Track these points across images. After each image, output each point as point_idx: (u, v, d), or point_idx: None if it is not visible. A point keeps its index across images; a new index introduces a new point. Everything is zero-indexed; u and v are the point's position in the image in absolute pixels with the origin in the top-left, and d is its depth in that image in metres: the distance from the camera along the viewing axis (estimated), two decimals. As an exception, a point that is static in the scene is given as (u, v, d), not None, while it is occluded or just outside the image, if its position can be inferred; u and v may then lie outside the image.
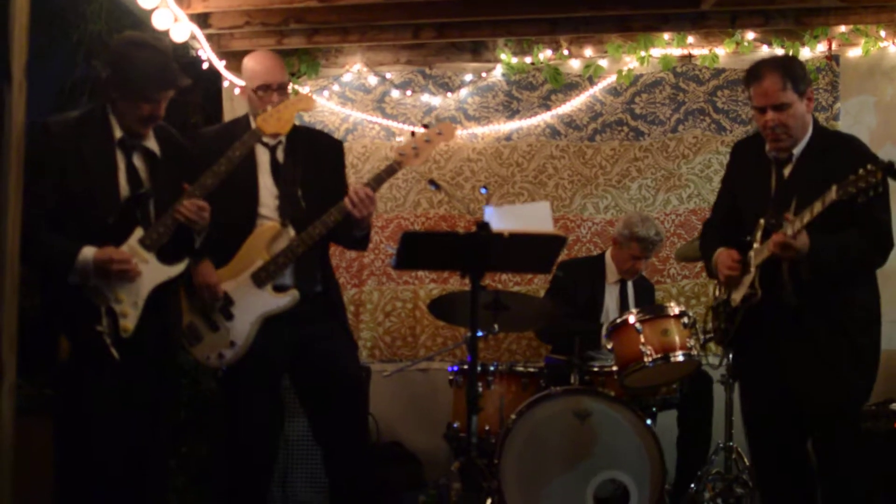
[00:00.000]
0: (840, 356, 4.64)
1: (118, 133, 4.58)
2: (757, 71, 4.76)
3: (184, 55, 7.25)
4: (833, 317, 4.64)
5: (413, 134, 5.32)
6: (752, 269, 4.75)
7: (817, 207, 4.36)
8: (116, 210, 4.53)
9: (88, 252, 4.38)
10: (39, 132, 4.52)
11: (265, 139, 5.18)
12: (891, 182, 4.36)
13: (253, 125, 5.20)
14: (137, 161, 4.63)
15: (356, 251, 5.72)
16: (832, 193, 4.28)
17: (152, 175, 4.64)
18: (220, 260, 5.10)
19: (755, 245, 4.77)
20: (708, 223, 5.31)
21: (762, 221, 4.75)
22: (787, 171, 4.78)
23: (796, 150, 4.75)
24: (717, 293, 5.20)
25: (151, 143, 4.67)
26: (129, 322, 4.47)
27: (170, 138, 4.79)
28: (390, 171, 5.24)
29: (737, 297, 4.87)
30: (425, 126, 5.34)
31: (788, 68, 4.72)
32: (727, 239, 4.98)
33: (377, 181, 5.19)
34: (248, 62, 5.42)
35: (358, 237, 5.30)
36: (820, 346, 4.65)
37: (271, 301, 5.10)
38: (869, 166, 4.20)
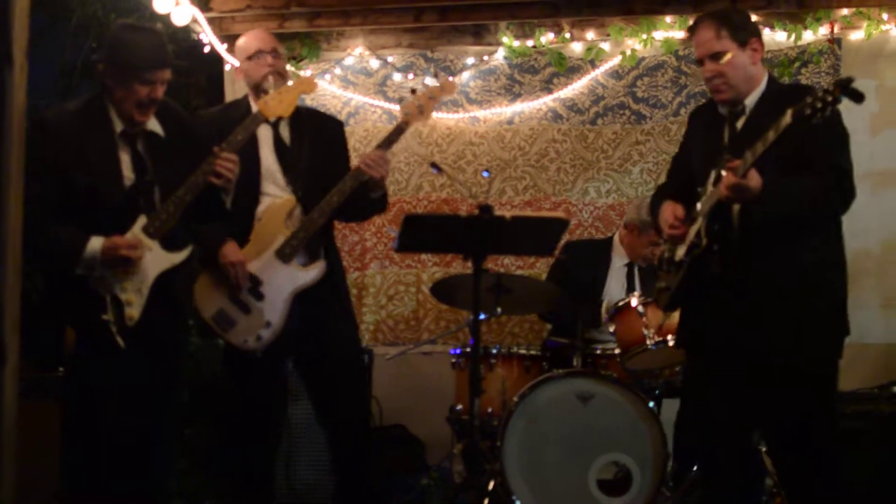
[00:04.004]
0: (793, 319, 4.24)
1: (118, 126, 4.57)
2: (694, 24, 4.55)
3: (185, 38, 7.25)
4: (788, 271, 4.26)
5: (413, 92, 5.32)
6: (699, 218, 4.41)
7: (770, 136, 3.98)
8: (119, 201, 4.53)
9: (96, 243, 4.38)
10: (37, 128, 4.47)
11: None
12: (850, 132, 4.20)
13: (253, 106, 5.20)
14: (142, 147, 4.62)
15: (375, 214, 5.65)
16: (786, 118, 3.91)
17: (157, 159, 4.64)
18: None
19: (704, 196, 4.44)
20: (660, 186, 5.03)
21: (713, 172, 4.38)
22: (739, 124, 4.46)
23: (749, 102, 4.45)
24: (663, 253, 4.81)
25: (154, 125, 4.65)
26: (135, 310, 4.47)
27: (171, 114, 4.77)
28: (399, 130, 5.23)
29: (681, 251, 4.53)
30: (413, 91, 5.33)
31: (724, 17, 4.45)
32: (677, 197, 4.64)
33: (387, 142, 5.18)
34: (237, 42, 5.44)
35: (375, 198, 5.26)
36: (771, 304, 4.26)
37: (300, 275, 5.07)
38: (827, 86, 3.86)
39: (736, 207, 4.29)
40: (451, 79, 5.47)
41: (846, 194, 4.31)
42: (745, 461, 4.54)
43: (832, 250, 4.42)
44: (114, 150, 4.54)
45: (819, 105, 3.82)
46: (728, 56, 4.39)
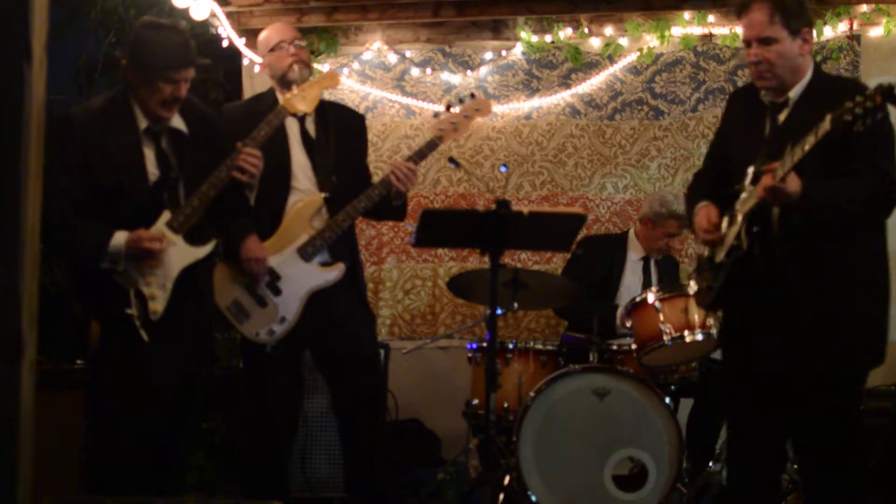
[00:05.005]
0: (833, 321, 4.15)
1: (143, 123, 4.60)
2: (747, 0, 4.31)
3: (203, 33, 7.27)
4: (829, 275, 4.15)
5: (448, 109, 5.34)
6: (739, 219, 4.26)
7: (810, 141, 3.85)
8: (144, 197, 4.55)
9: (120, 237, 4.42)
10: (63, 126, 4.55)
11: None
12: None
13: (279, 98, 5.22)
14: (166, 144, 4.64)
15: (393, 221, 5.75)
16: (826, 124, 3.77)
17: (181, 155, 4.66)
18: (259, 234, 5.12)
19: (743, 194, 4.28)
20: (697, 173, 4.89)
21: (751, 169, 4.24)
22: (781, 117, 4.30)
23: (793, 94, 4.28)
24: (704, 252, 4.68)
25: (178, 122, 4.68)
26: (158, 304, 4.49)
27: (195, 112, 4.80)
28: (432, 145, 5.28)
29: (721, 252, 4.39)
30: (448, 107, 5.36)
31: (780, 0, 4.24)
32: (714, 191, 4.51)
33: (419, 156, 5.24)
34: (259, 37, 5.52)
35: (396, 206, 5.32)
36: (811, 309, 4.15)
37: (320, 275, 5.12)
38: (867, 91, 3.72)
39: (776, 210, 4.18)
40: (472, 80, 5.48)
41: (890, 200, 4.21)
42: (772, 461, 4.47)
43: (876, 252, 4.31)
44: (138, 146, 4.57)
45: (860, 111, 3.71)
46: (778, 44, 4.23)
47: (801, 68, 4.30)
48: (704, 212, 4.48)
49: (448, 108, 5.36)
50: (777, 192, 3.99)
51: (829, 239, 4.15)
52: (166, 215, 4.54)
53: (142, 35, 4.56)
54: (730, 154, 4.53)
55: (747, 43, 4.32)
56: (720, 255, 4.40)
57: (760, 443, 4.41)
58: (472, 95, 5.47)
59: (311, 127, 5.27)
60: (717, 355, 5.96)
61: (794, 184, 3.97)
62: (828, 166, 4.05)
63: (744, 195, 4.28)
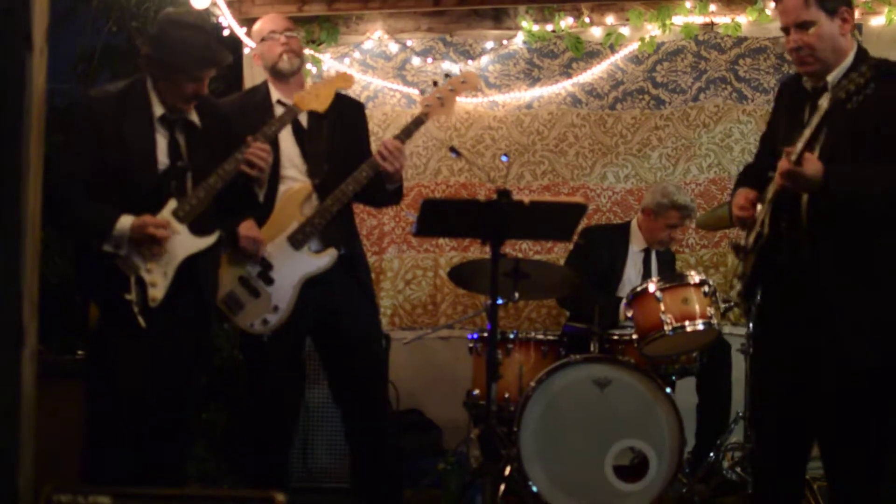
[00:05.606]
0: (865, 314, 4.00)
1: (159, 110, 4.61)
2: None
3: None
4: (861, 265, 4.01)
5: (435, 84, 5.32)
6: (765, 205, 4.17)
7: (814, 121, 3.78)
8: (152, 184, 4.56)
9: (126, 220, 4.42)
10: (82, 105, 4.63)
11: (284, 100, 5.20)
12: None
13: (273, 91, 5.23)
14: (178, 134, 4.65)
15: (390, 206, 5.75)
16: (825, 102, 3.75)
17: (192, 147, 4.67)
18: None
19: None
20: (746, 166, 4.76)
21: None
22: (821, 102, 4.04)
23: (831, 78, 4.10)
24: (741, 241, 4.49)
25: (192, 116, 4.69)
26: (158, 292, 4.49)
27: (209, 108, 4.82)
28: (418, 122, 5.25)
29: (751, 238, 4.27)
30: (435, 83, 5.35)
31: None
32: (760, 178, 4.35)
33: (406, 133, 5.21)
34: (253, 28, 5.52)
35: (391, 190, 5.30)
36: (840, 300, 4.02)
37: (311, 262, 5.10)
38: (862, 68, 3.70)
39: (805, 197, 4.07)
40: (473, 69, 5.45)
41: None
42: (799, 459, 4.35)
43: None
44: (151, 133, 4.59)
45: (853, 87, 3.67)
46: (816, 26, 4.10)
47: (843, 50, 4.17)
48: (743, 192, 4.37)
49: (435, 84, 5.34)
50: (793, 175, 3.90)
51: (862, 229, 4.03)
52: (172, 203, 4.55)
53: (168, 32, 4.57)
54: (776, 146, 4.37)
55: (785, 30, 4.21)
56: (749, 242, 4.31)
57: (787, 439, 4.29)
58: (461, 71, 5.46)
59: (303, 116, 5.25)
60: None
61: (812, 167, 3.88)
62: (860, 150, 3.97)
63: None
